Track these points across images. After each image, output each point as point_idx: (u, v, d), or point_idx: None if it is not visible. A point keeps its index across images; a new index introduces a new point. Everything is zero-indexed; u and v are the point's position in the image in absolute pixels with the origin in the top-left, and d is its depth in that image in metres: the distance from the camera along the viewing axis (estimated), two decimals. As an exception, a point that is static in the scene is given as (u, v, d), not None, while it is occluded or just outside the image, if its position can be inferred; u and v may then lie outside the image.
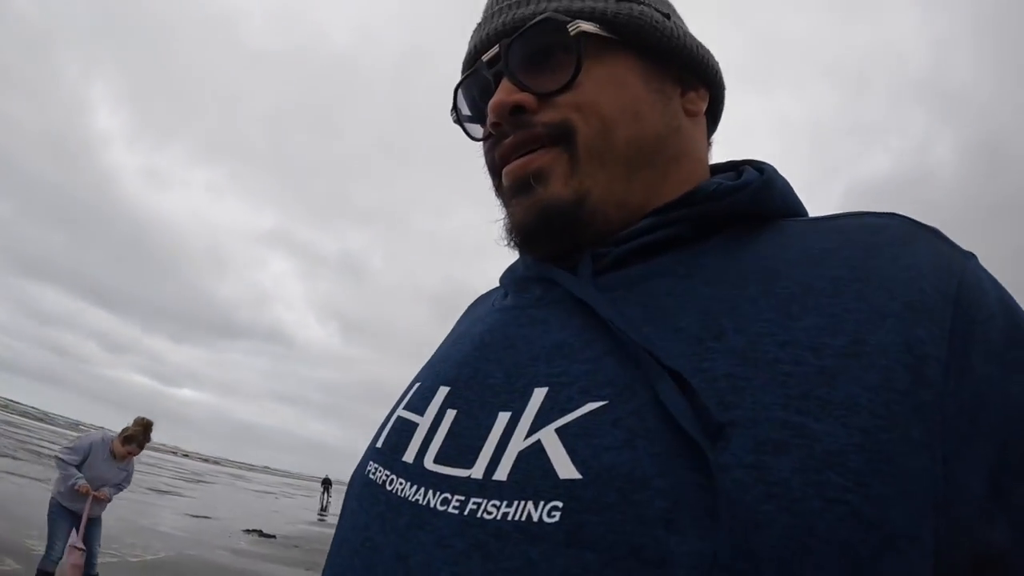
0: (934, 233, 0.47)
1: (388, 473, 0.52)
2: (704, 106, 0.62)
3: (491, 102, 0.56)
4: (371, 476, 0.54)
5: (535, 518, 0.39)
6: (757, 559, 0.33)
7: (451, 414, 0.51)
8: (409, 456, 0.51)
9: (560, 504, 0.39)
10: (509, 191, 0.58)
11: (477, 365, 0.54)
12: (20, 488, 12.14)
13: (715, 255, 0.51)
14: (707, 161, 0.63)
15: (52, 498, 5.22)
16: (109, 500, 5.41)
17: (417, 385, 0.60)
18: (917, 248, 0.45)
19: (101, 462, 5.29)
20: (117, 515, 11.65)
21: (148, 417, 5.59)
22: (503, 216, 0.61)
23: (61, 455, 5.18)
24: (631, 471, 0.38)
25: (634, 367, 0.44)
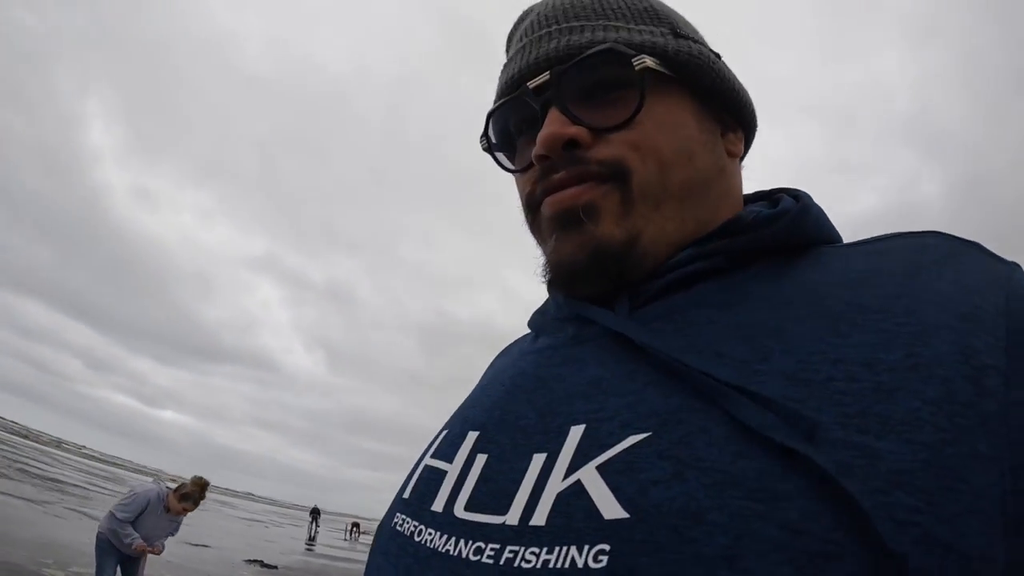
0: (976, 247, 0.47)
1: (416, 524, 0.50)
2: (742, 147, 0.63)
3: (542, 134, 0.53)
4: (398, 528, 0.52)
5: (580, 564, 0.37)
6: None
7: (481, 459, 0.50)
8: (438, 505, 0.49)
9: (607, 547, 0.37)
10: (553, 224, 0.55)
11: (507, 407, 0.53)
12: (22, 512, 12.04)
13: (756, 283, 0.51)
14: (741, 201, 0.63)
15: (101, 534, 5.32)
16: (162, 551, 5.56)
17: (445, 433, 0.58)
18: (962, 263, 0.45)
19: (156, 517, 5.42)
20: (121, 542, 11.54)
21: (200, 476, 5.78)
22: (543, 252, 0.59)
23: (117, 513, 5.26)
24: (684, 506, 0.36)
25: (679, 395, 0.42)
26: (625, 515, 0.37)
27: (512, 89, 0.58)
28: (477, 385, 0.70)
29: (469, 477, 0.49)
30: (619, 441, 0.42)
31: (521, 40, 0.60)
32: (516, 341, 0.72)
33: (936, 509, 0.33)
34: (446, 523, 0.47)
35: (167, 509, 5.47)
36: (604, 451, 0.42)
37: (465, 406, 0.62)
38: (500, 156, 0.62)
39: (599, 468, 0.41)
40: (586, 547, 0.38)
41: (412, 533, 0.49)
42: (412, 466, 0.60)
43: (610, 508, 0.38)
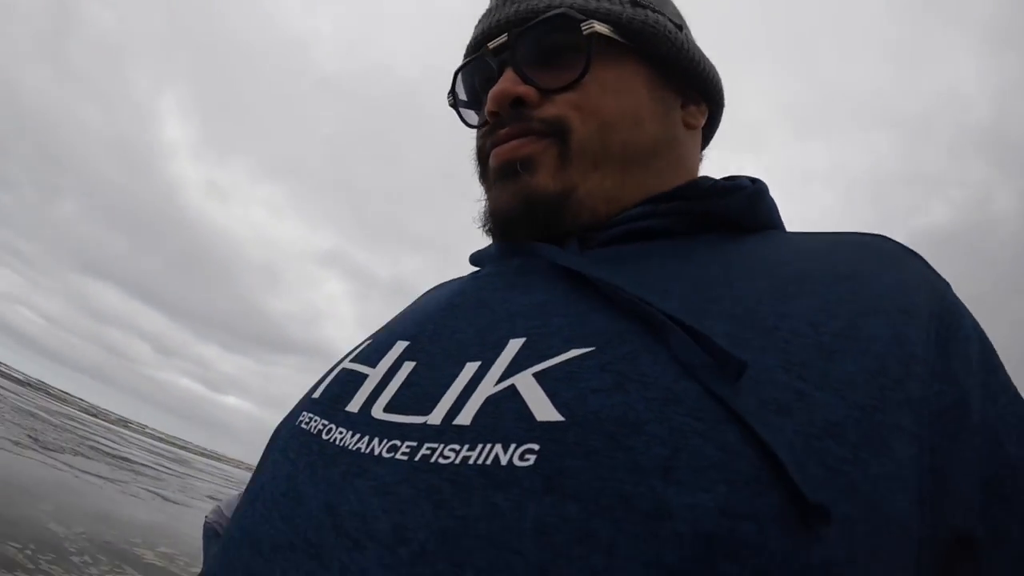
0: (919, 256, 0.49)
1: (326, 423, 0.47)
2: (703, 121, 0.64)
3: (492, 91, 0.56)
4: (303, 426, 0.49)
5: (503, 461, 0.36)
6: (760, 520, 0.31)
7: (409, 365, 0.48)
8: (354, 406, 0.47)
9: (536, 447, 0.35)
10: (494, 174, 0.58)
11: (443, 322, 0.52)
12: (102, 490, 12.58)
13: (706, 247, 0.52)
14: (697, 174, 0.64)
15: (208, 524, 5.50)
16: None
17: (369, 342, 0.57)
18: (906, 266, 0.47)
19: None
20: (197, 526, 11.97)
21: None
22: (483, 199, 0.62)
23: (215, 525, 5.46)
24: (623, 415, 0.35)
25: (626, 320, 0.42)
26: (560, 418, 0.36)
27: (475, 50, 0.63)
28: (409, 306, 0.69)
29: (392, 382, 0.47)
30: (560, 353, 0.41)
31: (490, 3, 0.63)
32: (454, 279, 0.70)
33: (863, 465, 0.34)
34: (361, 423, 0.45)
35: None
36: (543, 360, 0.41)
37: (394, 321, 0.62)
38: (463, 112, 0.66)
39: (536, 375, 0.40)
40: (513, 445, 0.36)
41: (320, 432, 0.47)
42: (327, 370, 0.57)
43: (544, 411, 0.37)
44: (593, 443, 0.35)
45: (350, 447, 0.43)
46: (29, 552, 5.52)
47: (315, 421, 0.49)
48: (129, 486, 15.23)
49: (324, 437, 0.46)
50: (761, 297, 0.43)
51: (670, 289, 0.45)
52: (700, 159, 0.66)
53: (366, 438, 0.43)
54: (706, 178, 0.59)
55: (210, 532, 5.69)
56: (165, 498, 15.13)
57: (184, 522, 11.99)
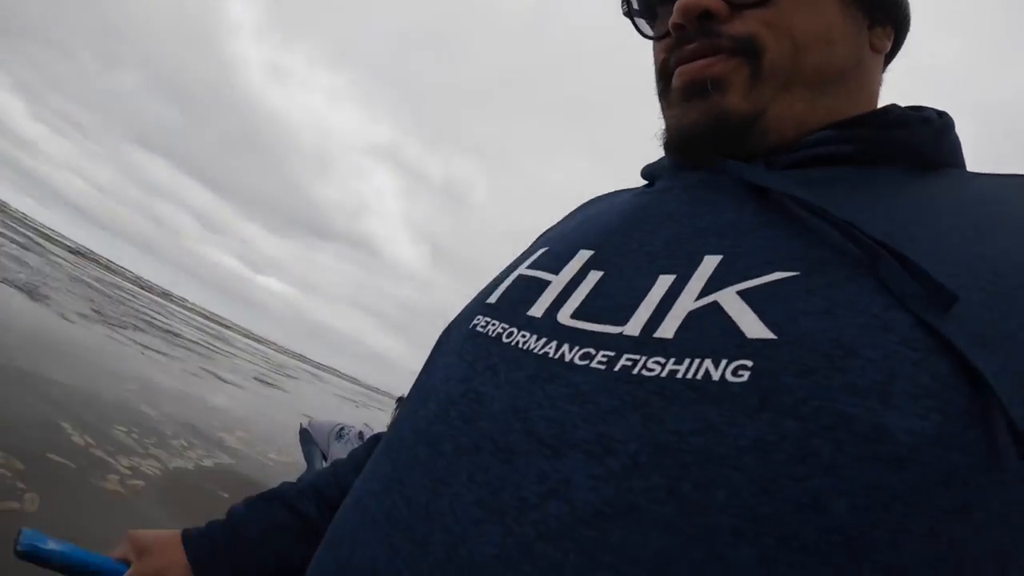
0: None
1: (506, 326, 0.48)
2: (889, 45, 0.61)
3: (679, 2, 0.54)
4: (479, 329, 0.49)
5: (715, 377, 0.36)
6: (971, 453, 0.32)
7: (596, 275, 0.48)
8: (536, 311, 0.47)
9: (749, 363, 0.36)
10: (681, 92, 0.56)
11: (627, 233, 0.51)
12: (167, 368, 13.13)
13: (893, 178, 0.50)
14: (878, 100, 0.62)
15: (305, 430, 5.68)
16: None
17: (544, 249, 0.57)
18: None
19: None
20: (258, 411, 12.52)
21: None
22: (664, 116, 0.60)
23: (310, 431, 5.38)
24: (837, 337, 0.35)
25: (826, 248, 0.42)
26: (772, 336, 0.36)
27: None
28: (569, 218, 0.69)
29: (579, 289, 0.47)
30: (763, 274, 0.41)
31: None
32: (615, 192, 0.70)
33: None
34: (547, 328, 0.45)
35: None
36: (745, 280, 0.41)
37: (566, 230, 0.61)
38: (639, 22, 0.63)
39: (740, 293, 0.40)
40: (724, 361, 0.36)
41: (500, 335, 0.47)
42: (496, 277, 0.58)
43: (753, 328, 0.37)
44: (809, 362, 0.35)
45: (535, 351, 0.44)
46: (135, 436, 5.91)
47: (493, 324, 0.49)
48: (188, 364, 15.83)
49: (505, 340, 0.46)
50: (958, 235, 0.42)
51: (866, 219, 0.43)
52: (880, 83, 0.63)
53: (553, 343, 0.43)
54: (895, 106, 0.58)
55: (307, 435, 5.66)
56: (220, 378, 15.69)
57: (245, 405, 12.59)
